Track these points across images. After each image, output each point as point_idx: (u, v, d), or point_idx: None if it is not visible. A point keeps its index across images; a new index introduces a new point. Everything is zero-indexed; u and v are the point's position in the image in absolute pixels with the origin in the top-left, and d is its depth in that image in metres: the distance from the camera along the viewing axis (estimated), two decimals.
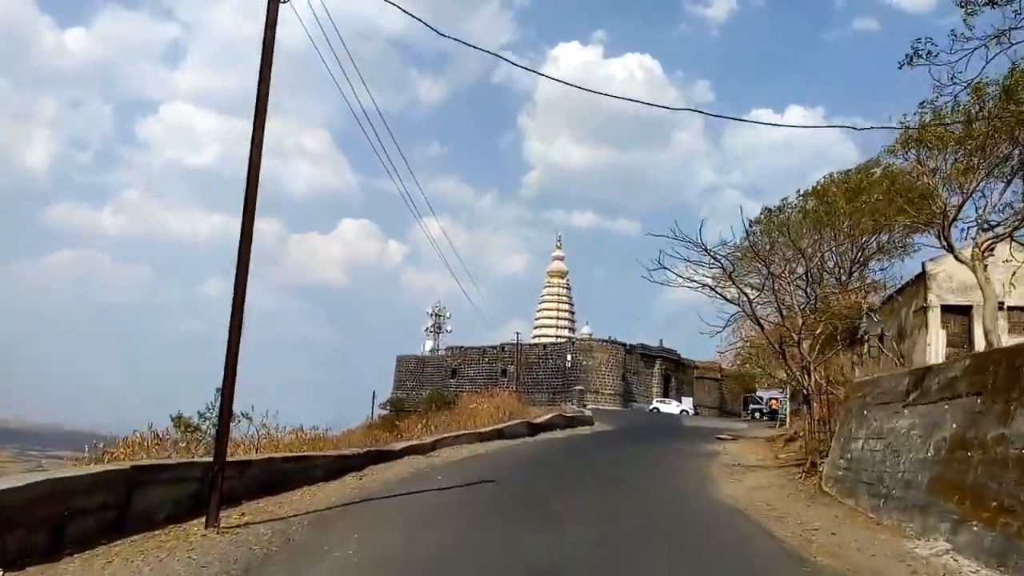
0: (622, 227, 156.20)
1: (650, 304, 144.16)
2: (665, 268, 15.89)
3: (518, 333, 70.44)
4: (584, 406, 66.29)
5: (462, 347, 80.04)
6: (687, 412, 64.80)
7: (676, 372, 76.88)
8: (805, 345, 15.70)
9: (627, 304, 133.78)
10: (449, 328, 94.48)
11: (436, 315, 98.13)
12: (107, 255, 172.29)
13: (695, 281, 18.07)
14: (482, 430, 22.00)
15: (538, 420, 27.46)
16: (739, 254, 19.76)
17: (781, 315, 17.34)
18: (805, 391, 15.15)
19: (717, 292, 18.78)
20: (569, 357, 61.59)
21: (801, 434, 21.08)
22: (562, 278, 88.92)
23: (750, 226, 27.37)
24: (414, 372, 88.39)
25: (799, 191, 25.71)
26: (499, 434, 22.87)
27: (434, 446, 18.47)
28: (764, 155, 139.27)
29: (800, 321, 16.25)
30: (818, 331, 16.97)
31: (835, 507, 12.30)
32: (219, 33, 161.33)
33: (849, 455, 13.05)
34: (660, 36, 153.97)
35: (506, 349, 73.97)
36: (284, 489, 11.80)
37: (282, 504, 10.76)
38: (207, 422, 17.38)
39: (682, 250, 16.83)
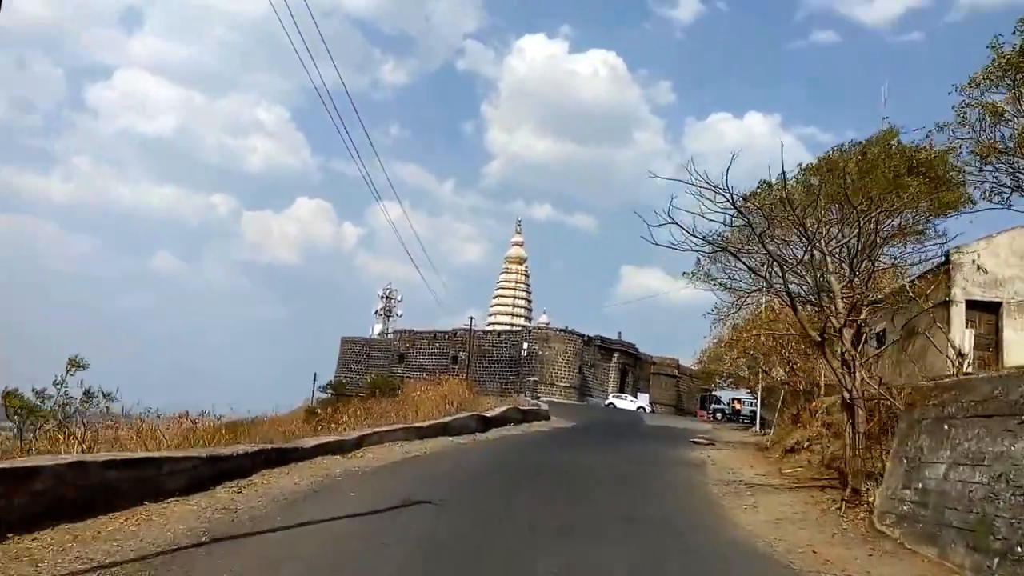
0: (580, 222, 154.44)
1: (606, 299, 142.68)
2: (674, 222, 12.08)
3: (472, 318, 66.56)
4: (538, 398, 62.72)
5: (411, 331, 75.74)
6: (644, 409, 61.91)
7: (633, 367, 74.05)
8: (847, 335, 12.11)
9: (584, 298, 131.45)
10: (400, 312, 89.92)
11: (387, 297, 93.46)
12: (52, 223, 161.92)
13: (711, 243, 14.41)
14: (423, 424, 18.03)
15: (490, 413, 23.60)
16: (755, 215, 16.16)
17: (817, 295, 13.73)
18: (848, 393, 11.54)
19: (739, 258, 15.25)
20: (525, 346, 57.99)
21: (806, 444, 17.73)
22: (520, 264, 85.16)
23: (743, 203, 24.07)
24: (360, 355, 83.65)
25: (801, 165, 22.42)
26: (444, 429, 18.93)
27: (360, 443, 14.45)
28: (723, 157, 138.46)
29: (840, 304, 12.66)
30: (862, 317, 13.45)
31: (909, 559, 8.76)
32: (177, 1, 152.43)
33: (920, 484, 9.54)
34: (625, 34, 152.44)
35: (458, 335, 69.97)
36: (107, 509, 7.69)
37: (76, 540, 6.65)
38: (51, 401, 13.06)
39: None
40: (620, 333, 74.75)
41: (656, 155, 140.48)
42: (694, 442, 25.03)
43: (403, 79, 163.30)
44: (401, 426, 16.93)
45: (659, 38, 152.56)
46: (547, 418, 34.01)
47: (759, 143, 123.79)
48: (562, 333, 64.29)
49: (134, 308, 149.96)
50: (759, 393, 39.49)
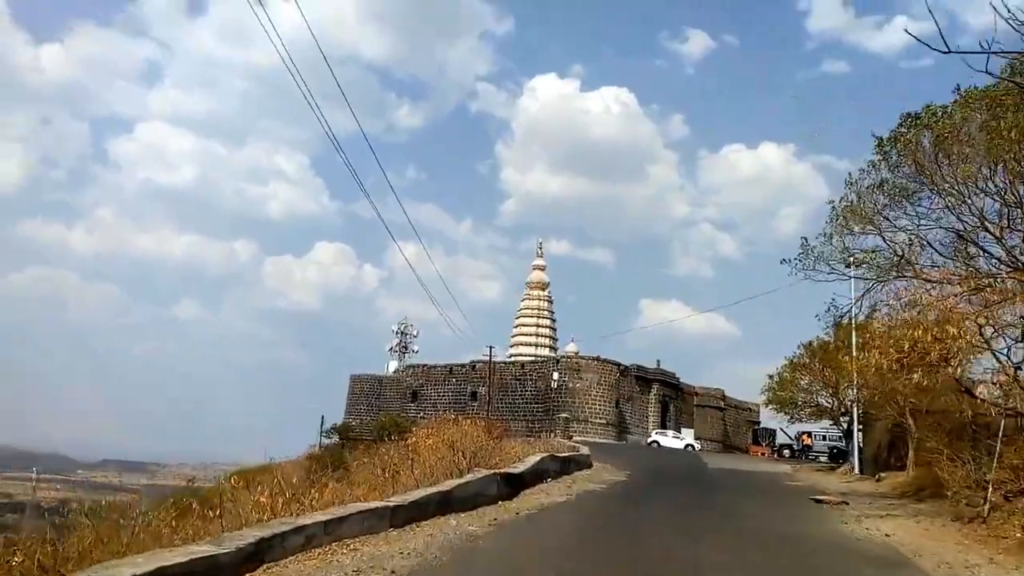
0: (598, 256, 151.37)
1: (628, 332, 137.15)
2: None
3: (491, 347, 58.85)
4: (571, 437, 54.72)
5: (424, 365, 68.23)
6: (693, 447, 53.60)
7: (675, 399, 65.78)
8: None
9: (605, 332, 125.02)
10: (416, 348, 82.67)
11: (402, 333, 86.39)
12: (75, 273, 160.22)
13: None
14: (406, 500, 10.46)
15: (519, 469, 16.02)
16: None
17: None
18: None
19: None
20: (556, 376, 50.12)
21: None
22: (543, 290, 77.75)
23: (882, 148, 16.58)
24: (370, 394, 76.16)
25: (959, 88, 15.03)
26: (444, 504, 11.38)
27: (258, 555, 7.02)
28: (736, 190, 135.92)
29: None
30: None
31: None
32: (196, 54, 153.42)
33: None
34: (636, 70, 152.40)
35: (477, 368, 62.34)
36: None
37: None
38: None
39: None
40: (659, 361, 66.80)
41: (670, 188, 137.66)
42: (817, 501, 17.24)
43: (418, 122, 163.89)
44: (362, 508, 9.41)
45: (670, 73, 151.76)
46: (589, 466, 26.25)
47: (775, 174, 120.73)
48: (595, 362, 56.46)
49: (153, 356, 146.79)
50: (854, 425, 31.38)
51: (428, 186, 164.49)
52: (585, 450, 29.49)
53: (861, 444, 31.38)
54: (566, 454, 23.16)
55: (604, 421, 55.11)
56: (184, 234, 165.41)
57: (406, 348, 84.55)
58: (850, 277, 18.47)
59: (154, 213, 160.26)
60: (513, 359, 65.29)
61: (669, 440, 53.86)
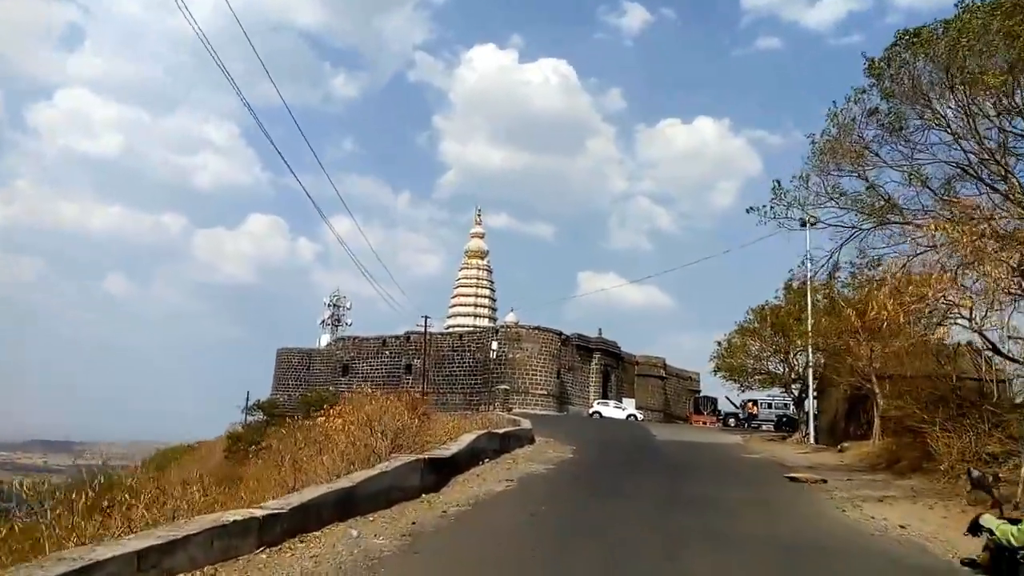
0: (538, 230, 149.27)
1: (566, 304, 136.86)
2: None
3: (426, 317, 55.78)
4: (510, 410, 52.45)
5: (356, 337, 64.69)
6: (635, 417, 52.15)
7: (616, 368, 64.27)
8: None
9: (545, 305, 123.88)
10: (350, 321, 78.87)
11: (334, 305, 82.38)
12: None
13: None
14: (290, 503, 7.59)
15: (448, 451, 13.30)
16: None
17: None
18: None
19: None
20: (495, 346, 47.55)
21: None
22: (482, 259, 74.82)
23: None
24: (299, 369, 72.14)
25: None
26: (345, 505, 8.58)
27: None
28: (673, 164, 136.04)
29: None
30: None
31: None
32: (120, 18, 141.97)
33: None
34: (575, 42, 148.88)
35: (412, 340, 59.21)
36: None
37: None
38: None
39: None
40: (600, 330, 65.04)
41: (609, 162, 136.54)
42: (792, 479, 15.20)
43: (354, 92, 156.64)
44: (213, 523, 6.52)
45: (608, 46, 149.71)
46: (531, 441, 23.87)
47: (711, 148, 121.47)
48: (536, 331, 54.10)
49: (82, 331, 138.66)
50: (809, 392, 29.91)
51: (366, 158, 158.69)
52: (526, 424, 27.10)
53: (816, 412, 30.00)
54: (505, 429, 20.62)
55: (545, 392, 53.02)
56: (110, 205, 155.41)
57: (339, 321, 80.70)
58: (828, 225, 16.32)
59: (77, 183, 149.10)
60: (451, 330, 62.46)
61: (611, 410, 52.25)
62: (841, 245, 16.03)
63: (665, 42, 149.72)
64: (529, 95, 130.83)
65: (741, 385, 34.22)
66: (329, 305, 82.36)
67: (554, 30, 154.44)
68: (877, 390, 22.10)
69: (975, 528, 4.11)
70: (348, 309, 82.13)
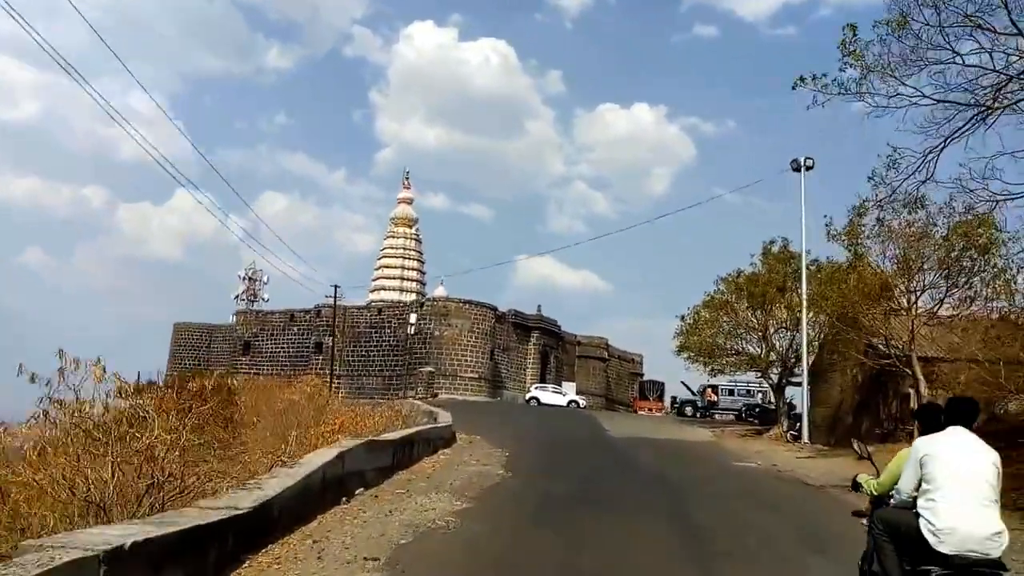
0: (476, 212, 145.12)
1: (504, 289, 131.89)
2: None
3: (336, 287, 48.02)
4: (435, 395, 45.60)
5: (259, 311, 56.48)
6: (577, 404, 46.14)
7: (555, 349, 58.12)
8: None
9: (481, 289, 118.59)
10: (267, 297, 70.30)
11: (249, 279, 73.54)
12: None
13: None
14: None
15: (252, 498, 6.31)
16: None
17: None
18: None
19: None
20: (414, 319, 40.41)
21: None
22: (410, 227, 67.12)
23: None
24: (197, 347, 63.42)
25: None
26: None
27: None
28: (610, 148, 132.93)
29: None
30: None
31: None
32: None
33: None
34: (516, 23, 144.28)
35: (323, 314, 51.51)
36: None
37: None
38: None
39: None
40: (540, 307, 58.71)
41: (548, 145, 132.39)
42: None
43: (288, 65, 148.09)
44: None
45: (549, 28, 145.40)
46: (448, 443, 17.19)
47: (647, 134, 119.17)
48: (466, 306, 47.18)
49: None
50: (803, 377, 24.10)
51: (299, 133, 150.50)
52: (445, 417, 20.36)
53: (809, 403, 24.17)
54: (405, 432, 13.73)
55: (476, 375, 46.31)
56: (26, 176, 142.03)
57: (255, 296, 72.09)
58: (937, 102, 9.94)
59: None
60: (372, 305, 54.95)
61: (550, 396, 46.07)
62: (947, 140, 9.71)
63: (605, 25, 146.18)
64: (468, 75, 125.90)
65: (711, 368, 28.26)
66: (244, 279, 73.50)
67: (494, 9, 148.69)
68: (920, 375, 16.23)
69: (856, 486, 5.00)
70: (265, 283, 73.53)
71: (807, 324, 23.59)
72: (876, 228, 15.43)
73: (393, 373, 47.48)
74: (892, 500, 4.50)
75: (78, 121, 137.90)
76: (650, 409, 51.82)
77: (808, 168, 23.93)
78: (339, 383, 50.84)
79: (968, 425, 4.30)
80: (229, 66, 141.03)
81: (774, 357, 27.58)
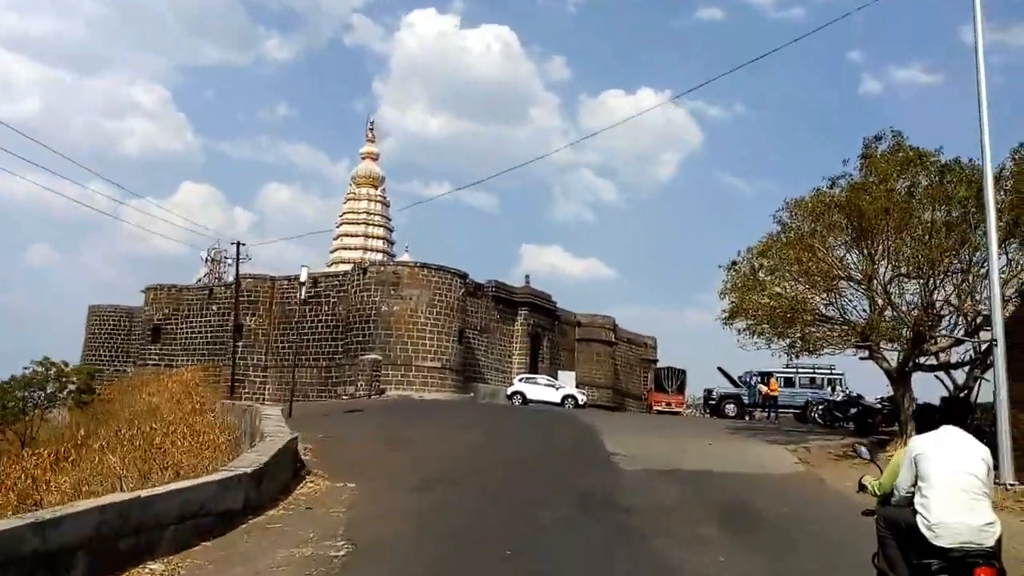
0: (480, 201, 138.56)
1: (507, 277, 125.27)
2: None
3: (239, 243, 36.40)
4: (382, 392, 34.37)
5: (170, 287, 45.11)
6: (574, 400, 34.83)
7: (550, 330, 46.76)
8: None
9: (488, 276, 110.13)
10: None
11: (212, 260, 62.73)
12: None
13: None
14: None
15: None
16: None
17: None
18: None
19: None
20: (305, 275, 28.77)
21: None
22: (375, 187, 55.66)
23: None
24: (114, 333, 52.28)
25: None
26: None
27: None
28: (616, 135, 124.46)
29: None
30: None
31: None
32: None
33: None
34: (518, 8, 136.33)
35: (246, 288, 40.17)
36: None
37: None
38: None
39: None
40: (528, 278, 47.39)
41: (552, 132, 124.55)
42: None
43: (289, 55, 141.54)
44: None
45: (552, 13, 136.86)
46: (228, 520, 5.88)
47: (651, 119, 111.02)
48: (424, 270, 35.59)
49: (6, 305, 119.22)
50: (1001, 357, 12.51)
51: (301, 123, 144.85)
52: (267, 448, 9.13)
53: (976, 402, 12.66)
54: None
55: (439, 364, 34.81)
56: (29, 172, 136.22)
57: (220, 279, 61.39)
58: None
59: None
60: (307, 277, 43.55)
61: (540, 390, 34.82)
62: None
63: (610, 9, 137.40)
64: (471, 62, 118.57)
65: (790, 344, 16.79)
66: (207, 260, 62.56)
67: None
68: None
69: (862, 487, 5.08)
70: (230, 265, 62.80)
71: (995, 258, 12.20)
72: None
73: (331, 363, 36.23)
74: (892, 498, 4.67)
75: (79, 116, 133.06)
76: (669, 404, 40.49)
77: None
78: (266, 377, 39.76)
79: (961, 424, 4.53)
80: (229, 57, 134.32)
81: (891, 324, 16.17)
